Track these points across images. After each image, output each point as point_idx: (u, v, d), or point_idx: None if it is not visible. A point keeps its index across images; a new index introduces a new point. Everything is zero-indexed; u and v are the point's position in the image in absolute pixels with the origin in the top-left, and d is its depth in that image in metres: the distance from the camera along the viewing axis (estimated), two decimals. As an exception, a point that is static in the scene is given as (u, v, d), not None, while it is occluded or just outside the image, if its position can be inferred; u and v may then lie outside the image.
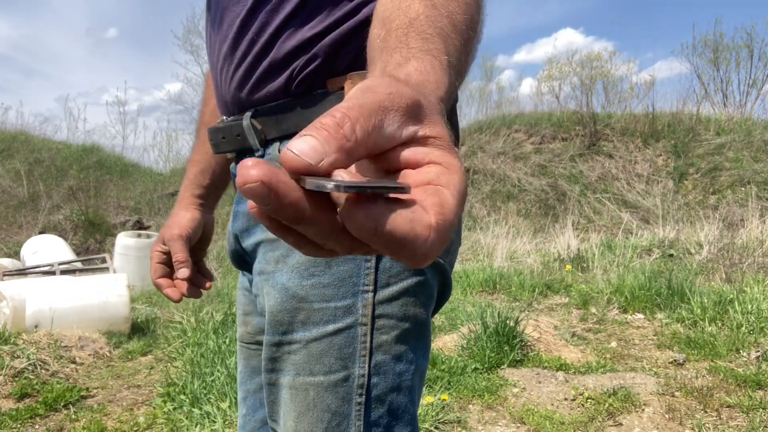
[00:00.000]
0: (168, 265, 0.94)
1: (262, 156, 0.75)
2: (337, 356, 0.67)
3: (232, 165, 0.85)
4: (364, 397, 0.68)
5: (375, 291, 0.67)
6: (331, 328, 0.67)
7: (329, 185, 0.29)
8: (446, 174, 0.34)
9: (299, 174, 0.30)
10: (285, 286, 0.69)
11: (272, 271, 0.71)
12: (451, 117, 0.72)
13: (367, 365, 0.68)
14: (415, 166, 0.35)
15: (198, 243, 0.99)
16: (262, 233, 0.74)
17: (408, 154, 0.35)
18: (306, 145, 0.30)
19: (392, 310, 0.68)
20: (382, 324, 0.68)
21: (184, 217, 0.96)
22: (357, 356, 0.67)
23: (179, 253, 0.91)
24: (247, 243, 0.77)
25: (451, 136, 0.37)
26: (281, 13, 0.69)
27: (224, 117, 0.82)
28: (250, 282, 0.85)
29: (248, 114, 0.74)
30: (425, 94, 0.38)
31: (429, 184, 0.34)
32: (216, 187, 1.00)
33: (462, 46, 0.49)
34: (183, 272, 0.90)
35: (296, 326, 0.69)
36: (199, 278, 0.97)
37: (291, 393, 0.70)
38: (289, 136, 0.72)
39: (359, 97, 0.34)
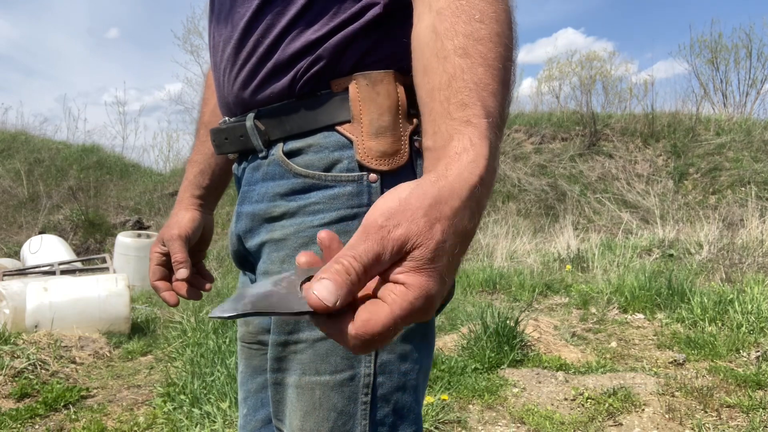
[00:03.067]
0: (167, 267, 0.93)
1: (265, 157, 0.74)
2: (343, 356, 0.68)
3: (234, 166, 0.84)
4: (369, 396, 0.68)
5: None
6: None
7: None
8: (398, 293, 0.42)
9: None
10: None
11: (278, 271, 0.71)
12: None
13: (372, 365, 0.68)
14: (391, 281, 0.43)
15: (197, 244, 0.98)
16: (266, 234, 0.74)
17: (391, 270, 0.44)
18: (326, 292, 0.40)
19: None
20: None
21: (183, 217, 0.95)
22: (363, 355, 0.67)
23: (178, 254, 0.91)
24: (251, 244, 0.77)
25: (441, 257, 0.43)
26: (287, 15, 0.69)
27: (226, 118, 0.81)
28: (253, 282, 0.85)
29: (251, 115, 0.74)
30: (446, 200, 0.44)
31: (376, 299, 0.43)
32: (216, 187, 0.99)
33: (500, 88, 0.51)
34: (182, 273, 0.90)
35: (302, 326, 0.69)
36: (199, 280, 0.97)
37: (297, 392, 0.70)
38: (293, 137, 0.72)
39: (357, 241, 0.43)
